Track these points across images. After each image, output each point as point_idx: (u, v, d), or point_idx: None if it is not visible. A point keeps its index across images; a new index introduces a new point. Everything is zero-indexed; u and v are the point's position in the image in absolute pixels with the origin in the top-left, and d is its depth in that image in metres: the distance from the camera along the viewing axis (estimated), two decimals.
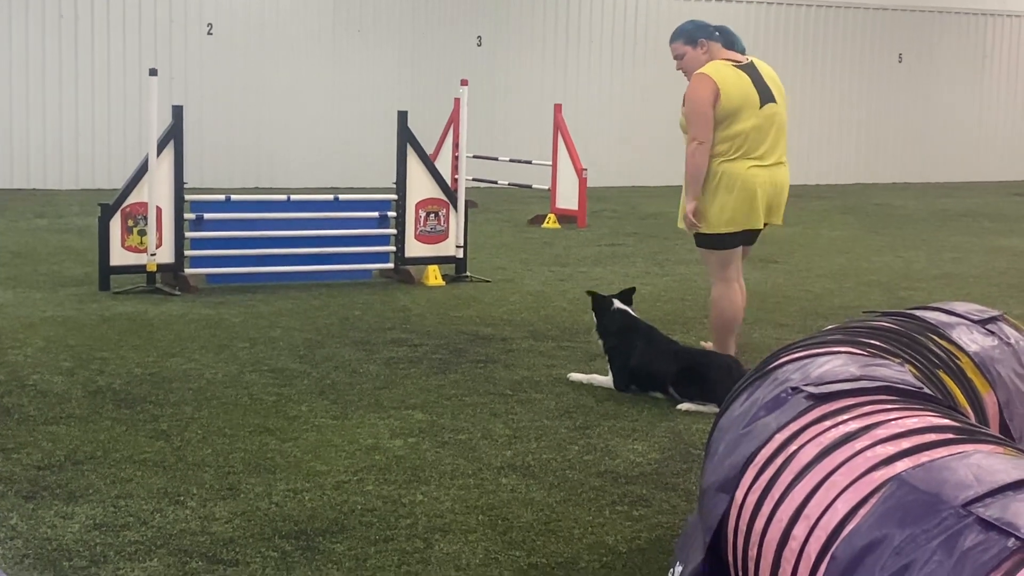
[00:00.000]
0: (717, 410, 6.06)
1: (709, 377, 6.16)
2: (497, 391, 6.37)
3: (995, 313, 4.46)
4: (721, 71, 6.74)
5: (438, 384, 6.48)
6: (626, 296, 6.81)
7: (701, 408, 6.13)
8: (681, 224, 7.01)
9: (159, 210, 9.08)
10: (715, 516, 3.40)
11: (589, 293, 6.86)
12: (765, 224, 7.01)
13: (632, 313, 6.69)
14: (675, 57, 7.02)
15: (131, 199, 9.08)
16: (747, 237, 7.02)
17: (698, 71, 6.79)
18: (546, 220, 14.30)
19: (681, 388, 6.24)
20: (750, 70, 6.84)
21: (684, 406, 6.20)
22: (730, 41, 6.95)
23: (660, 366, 6.33)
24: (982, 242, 13.49)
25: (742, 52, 6.96)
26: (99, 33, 16.92)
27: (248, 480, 4.83)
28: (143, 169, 9.10)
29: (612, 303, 6.70)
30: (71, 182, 16.94)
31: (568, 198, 14.42)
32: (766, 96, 6.80)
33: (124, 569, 3.91)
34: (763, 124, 6.78)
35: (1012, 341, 4.30)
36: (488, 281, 10.00)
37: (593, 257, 11.62)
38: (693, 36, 6.92)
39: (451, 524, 4.41)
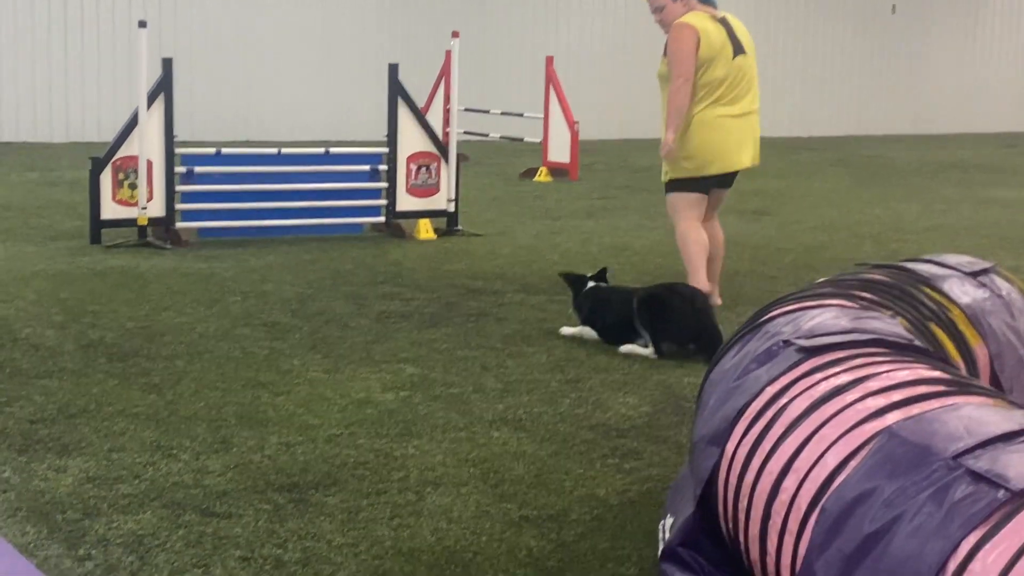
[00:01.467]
0: (652, 352, 6.19)
1: (669, 306, 6.19)
2: (489, 345, 6.37)
3: (987, 265, 4.46)
4: (702, 21, 7.19)
5: (430, 338, 6.48)
6: (600, 277, 6.83)
7: (641, 351, 6.18)
8: (668, 158, 7.33)
9: (149, 163, 9.05)
10: (706, 469, 3.41)
11: (562, 275, 6.88)
12: (737, 171, 7.42)
13: (604, 285, 6.71)
14: (654, 10, 7.38)
15: (121, 152, 9.05)
16: (719, 181, 7.39)
17: (680, 20, 7.18)
18: (538, 173, 14.27)
19: (643, 322, 6.26)
20: (724, 24, 7.30)
21: (624, 348, 6.25)
22: None
23: (625, 311, 6.33)
24: (973, 194, 13.50)
25: (715, 7, 7.37)
26: None
27: (241, 433, 4.84)
28: (133, 122, 9.06)
29: (586, 283, 6.73)
30: (61, 135, 16.87)
31: (560, 151, 14.38)
32: (738, 48, 7.27)
33: (117, 522, 3.92)
34: (735, 74, 7.25)
35: (1003, 293, 4.31)
36: (480, 235, 9.99)
37: (585, 210, 11.61)
38: None
39: (443, 477, 4.42)
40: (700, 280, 7.18)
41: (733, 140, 7.26)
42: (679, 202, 7.36)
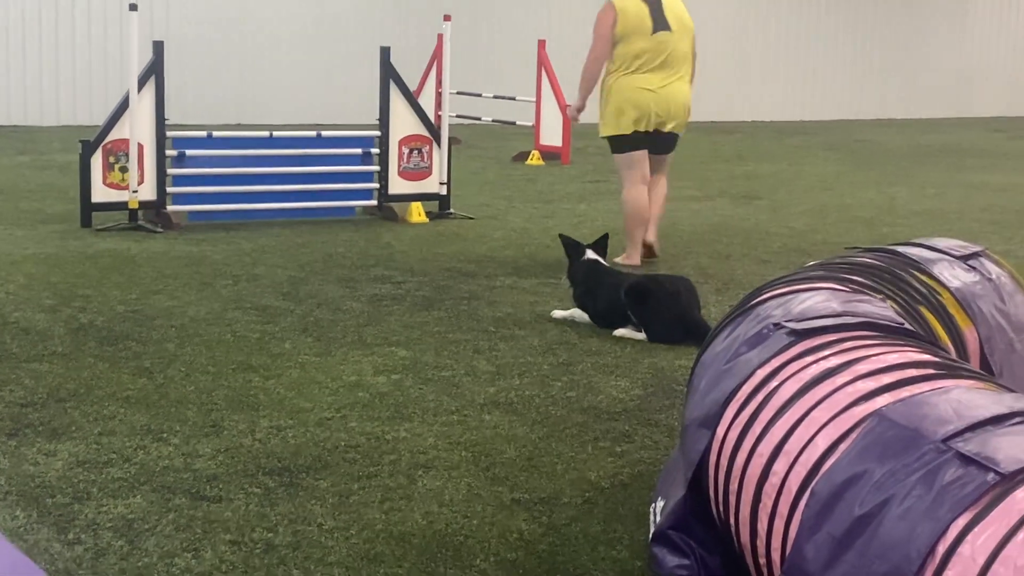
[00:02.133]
0: (644, 336, 6.21)
1: (655, 299, 6.20)
2: (480, 328, 6.37)
3: (977, 249, 4.46)
4: (623, 1, 8.08)
5: (421, 321, 6.48)
6: (599, 245, 6.84)
7: (635, 335, 6.20)
8: (574, 116, 8.66)
9: (140, 147, 9.03)
10: (697, 452, 3.42)
11: (561, 237, 6.92)
12: (669, 134, 8.22)
13: (602, 262, 6.71)
14: None
15: (112, 136, 9.02)
16: (649, 143, 8.16)
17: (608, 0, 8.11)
18: (530, 157, 14.26)
19: (631, 311, 6.27)
20: (652, 3, 8.11)
21: (618, 332, 6.27)
22: None
23: (616, 298, 6.34)
24: (964, 178, 13.51)
25: None
26: None
27: (231, 417, 4.83)
28: (124, 105, 9.03)
29: (584, 251, 6.72)
30: (52, 119, 16.82)
31: (552, 135, 14.37)
32: (660, 25, 8.07)
33: (107, 506, 3.92)
34: (654, 47, 8.06)
35: (993, 277, 4.31)
36: (472, 218, 9.98)
37: (577, 194, 11.60)
38: None
39: (434, 460, 4.42)
40: (636, 250, 8.16)
41: (650, 104, 8.06)
42: (619, 163, 8.34)
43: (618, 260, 8.04)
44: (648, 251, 8.30)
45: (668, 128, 8.18)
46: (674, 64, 8.12)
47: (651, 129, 8.10)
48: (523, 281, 7.56)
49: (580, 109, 8.49)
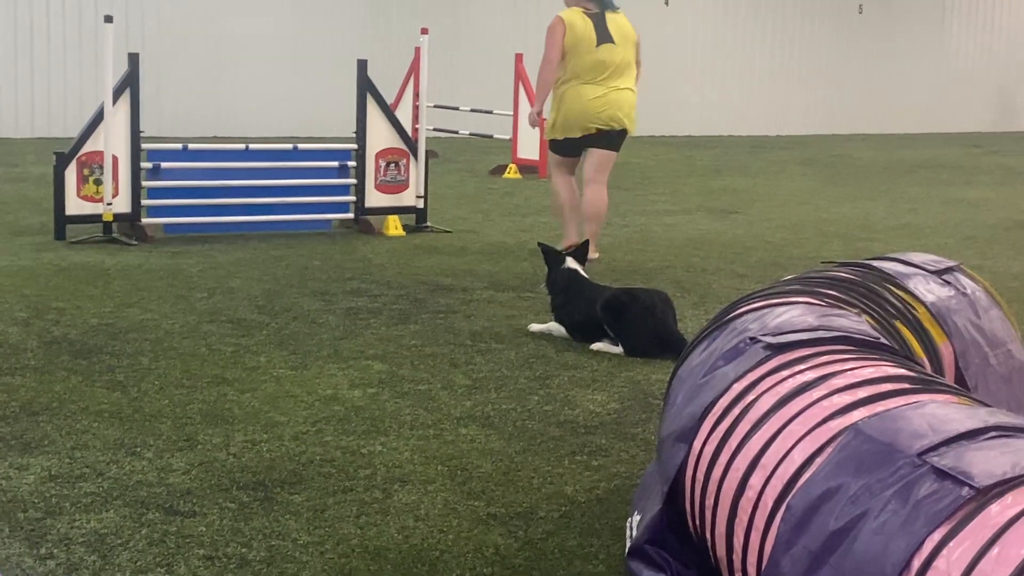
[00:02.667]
0: (621, 350, 6.21)
1: (631, 312, 6.20)
2: (457, 341, 6.36)
3: (951, 263, 4.48)
4: (571, 15, 8.68)
5: (398, 334, 6.46)
6: (580, 252, 6.85)
7: (611, 348, 6.20)
8: (532, 122, 9.25)
9: (115, 159, 8.99)
10: (673, 466, 3.41)
11: (540, 245, 6.94)
12: (612, 137, 8.72)
13: (581, 272, 6.71)
14: None
15: (87, 148, 8.98)
16: (592, 141, 8.73)
17: (559, 13, 8.72)
18: (507, 170, 14.26)
19: (607, 324, 6.27)
20: (596, 18, 8.68)
21: (595, 346, 6.27)
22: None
23: (592, 312, 6.34)
24: (939, 193, 13.57)
25: (605, 5, 8.72)
26: None
27: (206, 431, 4.81)
28: (99, 117, 9.00)
29: (564, 260, 6.73)
30: (26, 130, 16.75)
31: (529, 148, 14.37)
32: (604, 38, 8.64)
33: (80, 520, 3.89)
34: (600, 59, 8.62)
35: (968, 291, 4.32)
36: (449, 231, 9.97)
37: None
38: None
39: (410, 475, 4.40)
40: (570, 236, 8.62)
41: (594, 110, 8.62)
42: (551, 160, 9.04)
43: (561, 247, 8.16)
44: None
45: (617, 127, 8.75)
46: (619, 74, 8.74)
47: (594, 131, 8.70)
48: (500, 295, 7.55)
49: (539, 113, 9.12)
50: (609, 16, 8.74)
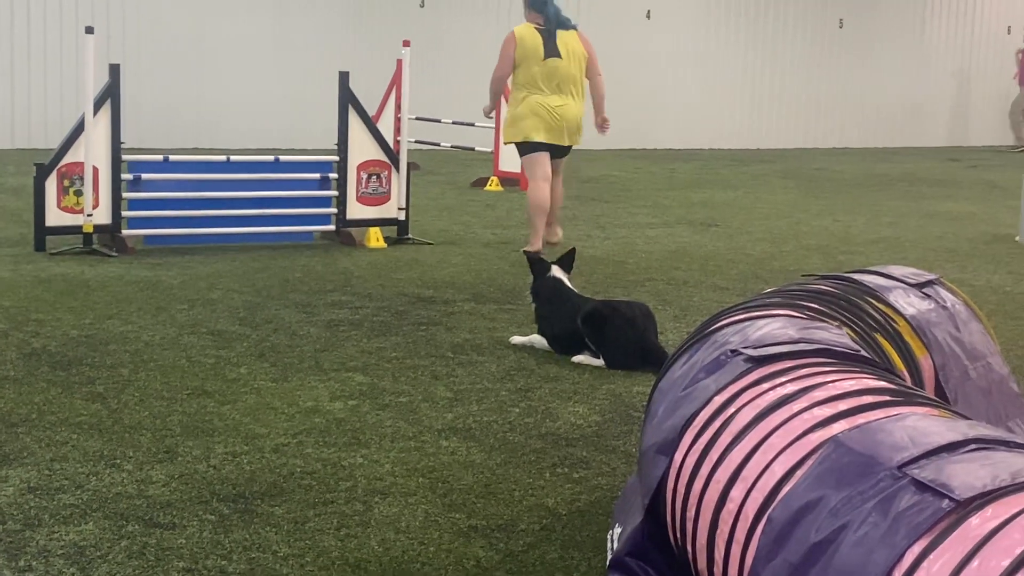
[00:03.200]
0: (603, 362, 6.21)
1: (611, 325, 6.21)
2: (438, 353, 6.35)
3: (931, 277, 4.50)
4: (523, 31, 9.43)
5: (379, 346, 6.46)
6: (566, 261, 6.86)
7: (593, 361, 6.21)
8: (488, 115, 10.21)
9: (95, 170, 8.96)
10: (654, 478, 3.41)
11: (526, 253, 6.96)
12: (562, 146, 9.51)
13: (566, 282, 6.71)
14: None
15: (67, 159, 8.96)
16: (549, 150, 9.45)
17: (515, 28, 9.52)
18: (489, 183, 14.27)
19: (589, 337, 6.28)
20: (546, 34, 9.41)
21: (577, 358, 6.27)
22: (552, 14, 9.46)
23: (573, 324, 6.34)
24: (919, 207, 13.62)
25: (559, 22, 9.47)
26: None
27: (186, 443, 4.79)
28: (79, 128, 8.97)
29: (549, 268, 6.73)
30: (6, 141, 16.69)
31: (511, 161, 14.34)
32: (551, 52, 9.37)
33: (59, 532, 3.87)
34: (546, 71, 9.38)
35: (948, 304, 4.34)
36: (430, 243, 9.97)
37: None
38: (533, 2, 9.51)
39: (391, 487, 4.40)
40: (537, 239, 9.33)
41: (549, 120, 9.38)
42: (525, 164, 9.64)
43: (526, 250, 8.94)
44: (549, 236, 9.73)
45: (564, 143, 9.56)
46: (566, 87, 9.48)
47: (540, 139, 9.42)
48: (481, 307, 7.55)
49: (491, 109, 10.12)
50: (560, 33, 9.46)
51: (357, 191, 9.91)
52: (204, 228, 9.49)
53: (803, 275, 4.89)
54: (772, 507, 2.81)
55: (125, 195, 9.20)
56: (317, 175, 9.99)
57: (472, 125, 15.56)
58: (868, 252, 10.24)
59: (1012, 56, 24.14)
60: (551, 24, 9.46)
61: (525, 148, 9.51)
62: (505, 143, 9.93)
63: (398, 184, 10.05)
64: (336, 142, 9.96)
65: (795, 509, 2.73)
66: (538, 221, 9.45)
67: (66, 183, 8.95)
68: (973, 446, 2.67)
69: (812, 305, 3.97)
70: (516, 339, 6.66)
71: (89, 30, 9.04)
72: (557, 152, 9.58)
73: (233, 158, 9.94)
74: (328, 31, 18.34)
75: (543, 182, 9.44)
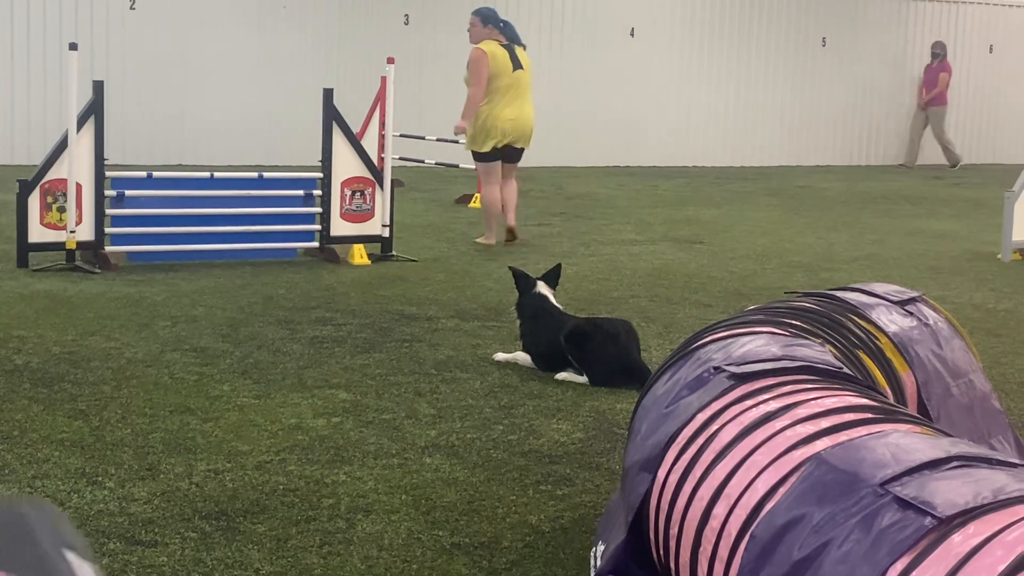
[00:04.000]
0: (586, 379, 6.21)
1: (594, 342, 6.22)
2: (422, 371, 6.34)
3: (914, 294, 4.51)
4: (492, 47, 10.76)
5: (362, 363, 6.45)
6: (551, 277, 6.87)
7: (576, 378, 6.21)
8: (457, 134, 11.18)
9: (79, 187, 8.95)
10: (637, 495, 3.41)
11: (512, 269, 6.96)
12: (520, 148, 11.02)
13: (551, 299, 6.71)
14: (470, 25, 11.11)
15: (50, 175, 8.93)
16: (505, 155, 10.90)
17: (478, 45, 10.75)
18: (473, 199, 14.26)
19: (570, 355, 6.28)
20: (509, 49, 10.81)
21: (560, 375, 6.28)
22: (509, 32, 10.93)
23: (557, 343, 6.34)
24: (902, 224, 13.67)
25: (513, 39, 10.89)
26: (19, 6, 16.63)
27: (168, 460, 4.78)
28: (63, 145, 8.95)
29: (534, 284, 6.74)
30: None
31: None
32: (516, 65, 10.83)
33: None
34: (515, 82, 10.81)
35: (930, 322, 4.35)
36: (414, 260, 9.97)
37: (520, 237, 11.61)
38: (487, 19, 11.00)
39: (374, 504, 4.39)
40: (492, 233, 10.86)
41: (511, 131, 10.83)
42: (482, 168, 11.05)
43: (478, 240, 10.90)
44: (511, 234, 10.99)
45: (519, 146, 10.99)
46: (525, 94, 10.93)
47: (504, 147, 10.85)
48: (465, 323, 7.55)
49: (463, 129, 10.94)
50: (517, 48, 10.92)
51: (341, 208, 9.90)
52: (187, 245, 9.47)
53: (786, 292, 4.90)
54: (755, 524, 2.81)
55: (108, 211, 9.18)
56: (301, 192, 9.98)
57: (456, 142, 15.56)
58: (851, 269, 10.27)
59: (995, 74, 24.26)
60: (510, 41, 10.87)
61: (484, 157, 10.89)
62: (468, 148, 11.16)
63: (382, 201, 10.04)
64: (320, 159, 9.95)
65: (778, 526, 2.73)
66: (492, 220, 10.88)
67: (49, 199, 8.93)
68: (955, 463, 2.68)
69: (795, 322, 3.98)
70: (500, 356, 6.66)
71: (73, 46, 9.02)
72: (512, 156, 11.02)
73: (217, 175, 9.94)
74: (312, 48, 18.35)
75: (496, 186, 10.92)
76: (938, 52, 22.50)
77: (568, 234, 11.91)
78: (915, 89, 23.49)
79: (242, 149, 17.55)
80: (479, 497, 4.51)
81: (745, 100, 21.94)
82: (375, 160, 11.27)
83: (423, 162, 16.04)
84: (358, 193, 9.96)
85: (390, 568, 3.82)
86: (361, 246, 9.85)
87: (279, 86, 18.03)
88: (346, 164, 9.90)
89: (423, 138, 15.77)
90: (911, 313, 4.34)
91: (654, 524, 3.33)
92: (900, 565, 2.43)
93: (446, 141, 15.63)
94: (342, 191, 9.90)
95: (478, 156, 10.97)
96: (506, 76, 10.72)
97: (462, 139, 11.44)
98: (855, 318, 4.19)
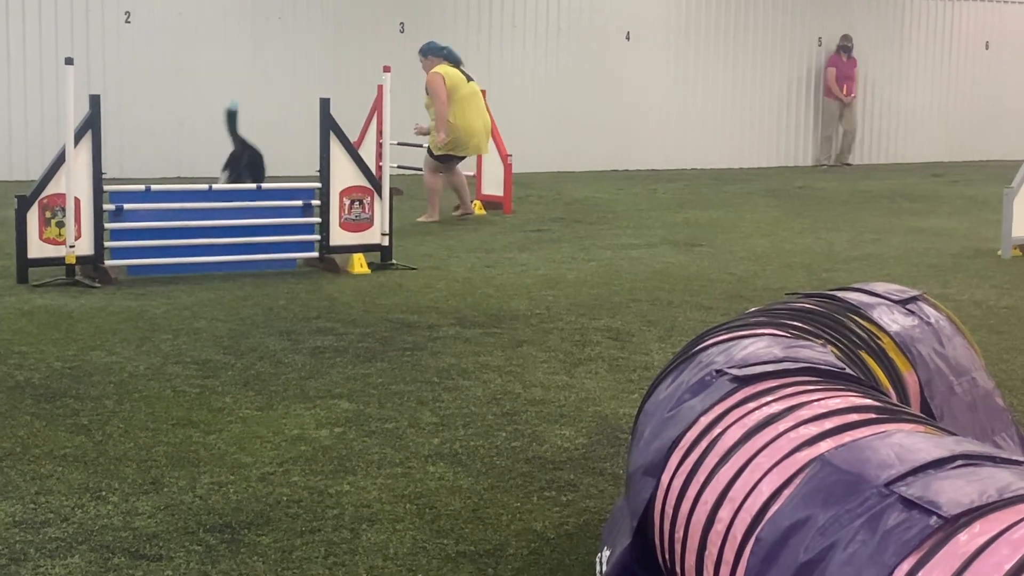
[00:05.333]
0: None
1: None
2: (424, 379, 6.34)
3: (915, 293, 4.50)
4: (443, 68, 12.99)
5: (364, 373, 6.44)
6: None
7: None
8: (436, 145, 13.02)
9: (77, 201, 8.95)
10: (642, 500, 3.41)
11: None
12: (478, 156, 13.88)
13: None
14: (422, 64, 13.33)
15: (49, 190, 8.93)
16: (458, 158, 13.28)
17: (434, 70, 12.96)
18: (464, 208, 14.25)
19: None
20: (456, 67, 13.10)
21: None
22: (453, 57, 13.20)
23: None
24: (902, 223, 13.66)
25: (456, 61, 13.19)
26: (14, 22, 16.64)
27: (171, 474, 4.77)
28: (60, 160, 8.95)
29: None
30: None
31: (493, 184, 14.39)
32: (468, 78, 13.11)
33: (45, 566, 3.84)
34: (469, 92, 13.08)
35: (932, 320, 4.35)
36: (414, 268, 9.96)
37: (519, 243, 11.62)
38: (429, 52, 13.30)
39: (378, 514, 4.38)
40: (435, 212, 13.14)
41: (474, 138, 13.20)
42: (441, 165, 13.20)
43: (420, 219, 12.88)
44: (466, 210, 13.43)
45: (477, 152, 13.67)
46: (481, 103, 13.27)
47: (464, 154, 13.38)
48: (466, 331, 7.54)
49: (444, 140, 12.92)
50: (461, 67, 13.21)
51: (340, 217, 9.90)
52: (187, 257, 9.47)
53: (787, 293, 4.90)
54: (760, 527, 2.81)
55: (107, 225, 9.18)
56: (299, 202, 9.98)
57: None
58: (851, 269, 10.26)
59: (991, 71, 24.26)
60: (456, 64, 13.16)
61: (446, 158, 13.11)
62: (435, 148, 13.01)
63: (381, 210, 10.04)
64: (318, 169, 9.95)
65: (783, 529, 2.72)
66: (435, 198, 13.22)
67: (48, 214, 8.93)
68: (960, 462, 2.67)
69: (796, 324, 3.97)
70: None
71: (69, 61, 9.02)
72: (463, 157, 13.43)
73: (215, 187, 9.94)
74: (308, 57, 18.36)
75: (437, 177, 13.24)
76: (849, 45, 22.29)
77: (567, 239, 11.91)
78: (915, 85, 23.50)
79: None
80: (483, 505, 4.50)
81: (742, 101, 21.95)
82: (373, 169, 11.27)
83: (421, 170, 16.03)
84: (357, 202, 9.96)
85: None
86: (361, 255, 9.85)
87: (276, 97, 18.04)
88: (344, 173, 9.90)
89: (421, 146, 15.76)
90: (912, 312, 4.33)
91: (659, 529, 3.32)
92: (906, 565, 2.42)
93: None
94: (341, 200, 9.90)
95: (439, 157, 13.05)
96: (463, 87, 12.97)
97: (425, 140, 13.38)
98: (856, 318, 4.19)
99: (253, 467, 4.87)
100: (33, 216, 8.88)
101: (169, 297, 8.49)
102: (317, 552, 4.01)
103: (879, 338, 4.12)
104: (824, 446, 2.89)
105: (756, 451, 3.02)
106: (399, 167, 14.98)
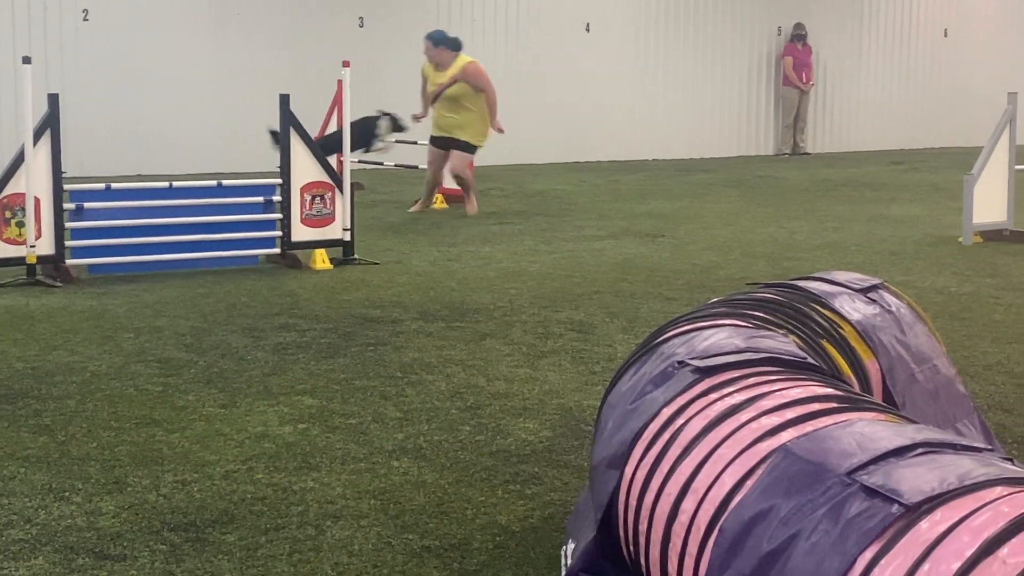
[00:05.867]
0: None
1: None
2: (387, 374, 6.33)
3: (876, 281, 4.53)
4: (425, 65, 13.69)
5: (327, 369, 6.43)
6: None
7: None
8: (485, 136, 13.62)
9: (37, 201, 8.88)
10: (605, 492, 3.41)
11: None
12: (458, 141, 13.65)
13: None
14: (433, 52, 13.55)
15: (7, 190, 8.86)
16: (445, 144, 13.64)
17: (469, 60, 13.47)
18: (434, 200, 14.23)
19: None
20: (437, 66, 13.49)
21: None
22: (459, 46, 13.51)
23: None
24: (863, 211, 13.74)
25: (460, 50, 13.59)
26: None
27: (135, 473, 4.75)
28: (19, 159, 8.88)
29: None
30: None
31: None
32: (440, 76, 13.50)
33: (8, 568, 3.81)
34: (437, 84, 13.40)
35: (893, 308, 4.37)
36: (376, 263, 9.94)
37: (481, 236, 11.62)
38: (438, 42, 13.51)
39: (343, 510, 4.37)
40: (428, 201, 13.78)
41: (440, 123, 13.62)
42: (470, 160, 13.52)
43: (412, 209, 13.42)
44: (425, 205, 13.76)
45: (452, 137, 13.68)
46: (451, 99, 13.54)
47: (442, 136, 13.70)
48: (429, 325, 7.53)
49: (501, 129, 13.59)
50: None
51: (301, 213, 9.87)
52: (148, 255, 9.42)
53: (748, 283, 4.91)
54: (724, 518, 2.82)
55: (68, 224, 9.11)
56: (261, 198, 9.94)
57: (415, 144, 15.54)
58: (813, 258, 10.32)
59: (950, 58, 24.42)
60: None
61: (475, 149, 13.50)
62: (474, 142, 13.48)
63: (342, 205, 10.02)
64: (279, 165, 9.92)
65: (746, 519, 2.73)
66: (432, 191, 13.84)
67: (8, 214, 8.86)
68: (921, 450, 2.69)
69: (758, 313, 3.99)
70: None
71: (26, 60, 8.96)
72: (450, 146, 13.52)
73: (175, 184, 9.88)
74: (267, 52, 18.28)
75: (438, 164, 13.70)
76: (803, 33, 22.40)
77: (529, 231, 11.91)
78: (874, 73, 23.61)
79: (200, 157, 17.47)
80: (448, 499, 4.50)
81: (703, 91, 22.01)
82: (334, 164, 11.25)
83: (382, 164, 16.00)
84: (318, 198, 9.93)
85: (361, 573, 3.81)
86: (323, 251, 9.83)
87: (235, 92, 17.96)
88: (305, 169, 9.87)
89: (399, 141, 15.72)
90: (873, 300, 4.36)
91: (623, 521, 3.33)
92: (868, 554, 2.44)
93: (405, 143, 15.61)
94: (302, 196, 9.86)
95: (473, 149, 13.51)
96: (435, 81, 13.61)
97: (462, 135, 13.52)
98: (818, 307, 4.21)
99: (217, 465, 4.85)
100: None
101: (131, 295, 8.44)
102: (282, 549, 4.00)
103: (840, 327, 4.14)
104: (786, 436, 2.90)
105: (719, 442, 3.03)
106: (360, 161, 14.95)
